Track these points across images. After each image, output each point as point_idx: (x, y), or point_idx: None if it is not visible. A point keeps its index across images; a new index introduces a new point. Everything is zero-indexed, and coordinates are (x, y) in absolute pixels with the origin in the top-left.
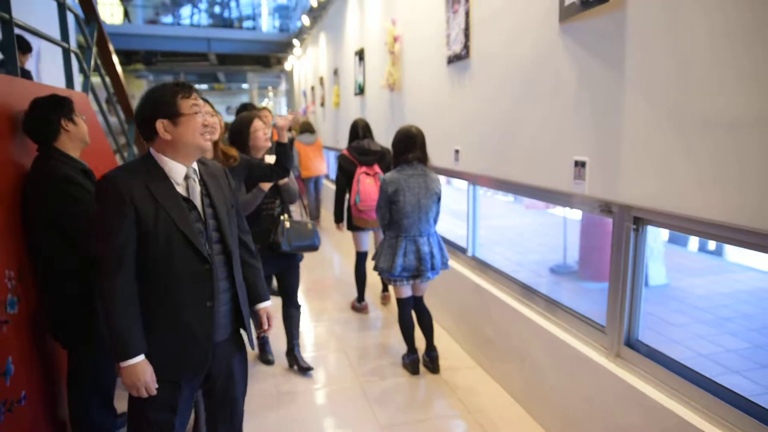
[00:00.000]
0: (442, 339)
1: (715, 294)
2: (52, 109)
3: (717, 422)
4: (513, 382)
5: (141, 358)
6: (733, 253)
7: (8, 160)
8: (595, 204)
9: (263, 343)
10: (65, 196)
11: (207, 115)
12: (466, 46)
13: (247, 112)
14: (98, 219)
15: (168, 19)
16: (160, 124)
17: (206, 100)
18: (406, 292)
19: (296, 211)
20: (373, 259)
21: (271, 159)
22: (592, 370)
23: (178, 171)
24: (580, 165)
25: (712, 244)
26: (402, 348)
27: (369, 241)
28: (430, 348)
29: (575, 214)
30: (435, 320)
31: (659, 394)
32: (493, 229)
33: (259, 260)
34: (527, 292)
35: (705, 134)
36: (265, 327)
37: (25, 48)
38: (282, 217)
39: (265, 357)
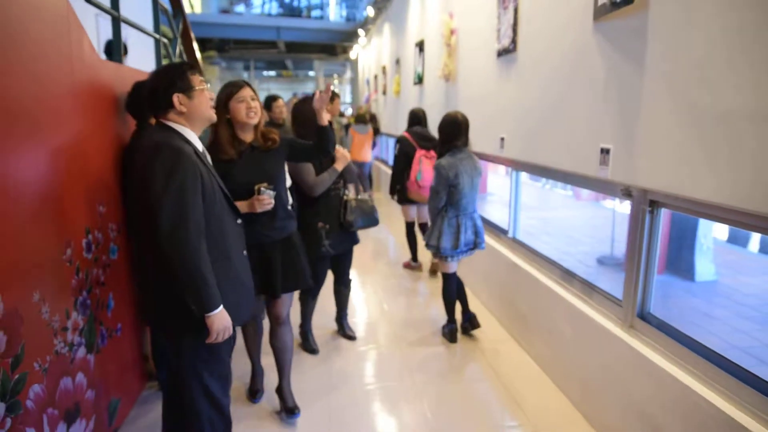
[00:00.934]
0: (479, 314)
1: (764, 292)
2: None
3: (719, 392)
4: (540, 352)
5: (222, 306)
6: None
7: (115, 133)
8: (617, 188)
9: (306, 332)
10: None
11: (250, 99)
12: (514, 41)
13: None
14: (176, 187)
15: (240, 8)
16: (176, 98)
17: (248, 84)
18: (455, 267)
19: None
20: (427, 240)
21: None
22: (608, 340)
23: (196, 140)
24: (605, 152)
25: None
26: (440, 319)
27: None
28: (467, 311)
29: (625, 207)
30: (475, 296)
31: (667, 363)
32: (546, 220)
33: None
34: (557, 269)
35: (717, 125)
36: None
37: (125, 51)
38: (346, 197)
39: (309, 347)
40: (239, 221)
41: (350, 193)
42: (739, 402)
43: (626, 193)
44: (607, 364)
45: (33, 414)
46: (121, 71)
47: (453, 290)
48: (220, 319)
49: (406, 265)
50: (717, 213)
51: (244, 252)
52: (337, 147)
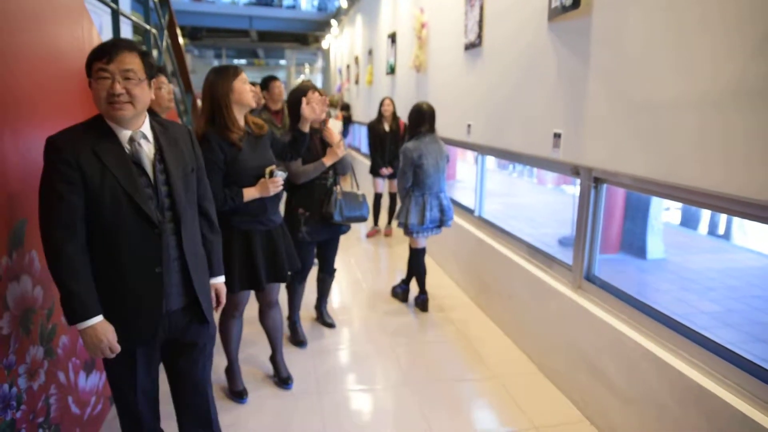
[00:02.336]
0: (449, 286)
1: (707, 269)
2: None
3: (645, 334)
4: (502, 317)
5: (101, 317)
6: (740, 236)
7: None
8: (568, 168)
9: (294, 323)
10: None
11: (247, 85)
12: (480, 36)
13: (300, 85)
14: (44, 184)
15: None
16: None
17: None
18: (423, 242)
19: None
20: (398, 218)
21: (336, 126)
22: (560, 300)
23: (122, 134)
24: (557, 136)
25: (721, 228)
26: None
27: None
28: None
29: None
30: (445, 271)
31: (606, 314)
32: (512, 205)
33: (218, 233)
34: (517, 242)
35: (642, 111)
36: (214, 304)
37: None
38: (335, 188)
39: (298, 339)
40: (156, 231)
41: (339, 186)
42: (659, 340)
43: (575, 171)
44: (558, 320)
45: (62, 361)
46: None
47: (421, 263)
48: (88, 336)
49: (370, 234)
50: (647, 186)
51: (157, 269)
52: (335, 137)
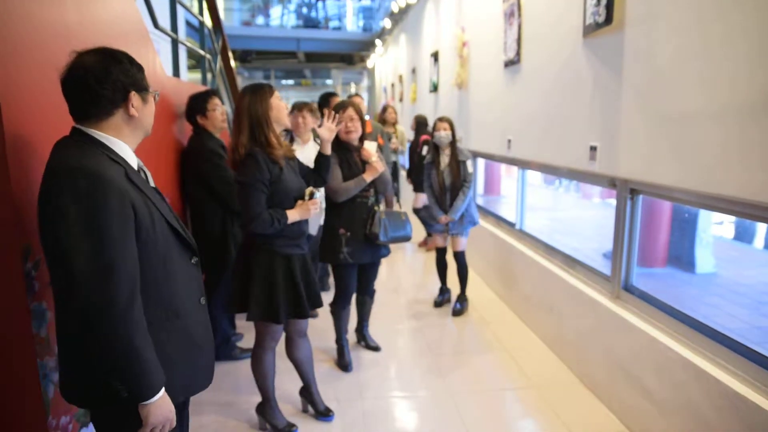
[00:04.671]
0: (489, 297)
1: (760, 283)
2: (200, 102)
3: (686, 345)
4: (541, 327)
5: (163, 388)
6: None
7: (174, 138)
8: (604, 180)
9: (342, 347)
10: (212, 163)
11: (283, 103)
12: (518, 53)
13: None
14: (96, 228)
15: (260, 20)
16: (133, 98)
17: None
18: (440, 242)
19: None
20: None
21: (371, 146)
22: (599, 310)
23: (131, 155)
24: (593, 149)
25: None
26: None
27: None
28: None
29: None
30: (486, 282)
31: (645, 324)
32: (558, 219)
33: None
34: (556, 253)
35: (673, 122)
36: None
37: None
38: (376, 208)
39: (344, 362)
40: (194, 260)
41: (382, 204)
42: (698, 349)
43: (611, 183)
44: (597, 330)
45: None
46: (179, 85)
47: (438, 261)
48: (159, 408)
49: (422, 244)
50: (682, 196)
51: (202, 300)
52: (372, 156)
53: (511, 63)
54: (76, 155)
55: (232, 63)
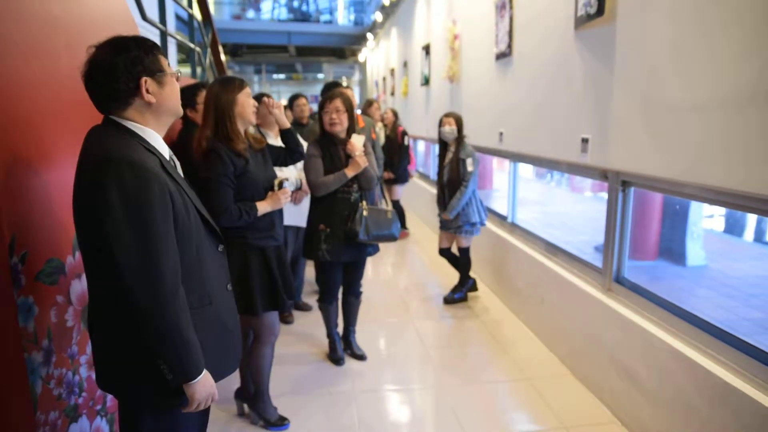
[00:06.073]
0: (481, 290)
1: (751, 276)
2: (189, 95)
3: (677, 336)
4: (532, 319)
5: (205, 369)
6: None
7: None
8: (596, 172)
9: (333, 341)
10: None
11: (250, 100)
12: (510, 46)
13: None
14: (143, 220)
15: (251, 13)
16: (144, 83)
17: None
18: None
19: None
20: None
21: (359, 140)
22: (590, 302)
23: (162, 144)
24: (584, 141)
25: None
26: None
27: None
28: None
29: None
30: (478, 275)
31: (635, 316)
32: (549, 213)
33: None
34: (547, 246)
35: (665, 114)
36: None
37: None
38: (360, 204)
39: (335, 356)
40: (221, 248)
41: (365, 202)
42: (688, 340)
43: (603, 175)
44: (589, 322)
45: None
46: None
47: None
48: (203, 386)
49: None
50: (673, 188)
51: (229, 286)
52: (357, 151)
53: (503, 55)
54: (116, 145)
55: (223, 57)
